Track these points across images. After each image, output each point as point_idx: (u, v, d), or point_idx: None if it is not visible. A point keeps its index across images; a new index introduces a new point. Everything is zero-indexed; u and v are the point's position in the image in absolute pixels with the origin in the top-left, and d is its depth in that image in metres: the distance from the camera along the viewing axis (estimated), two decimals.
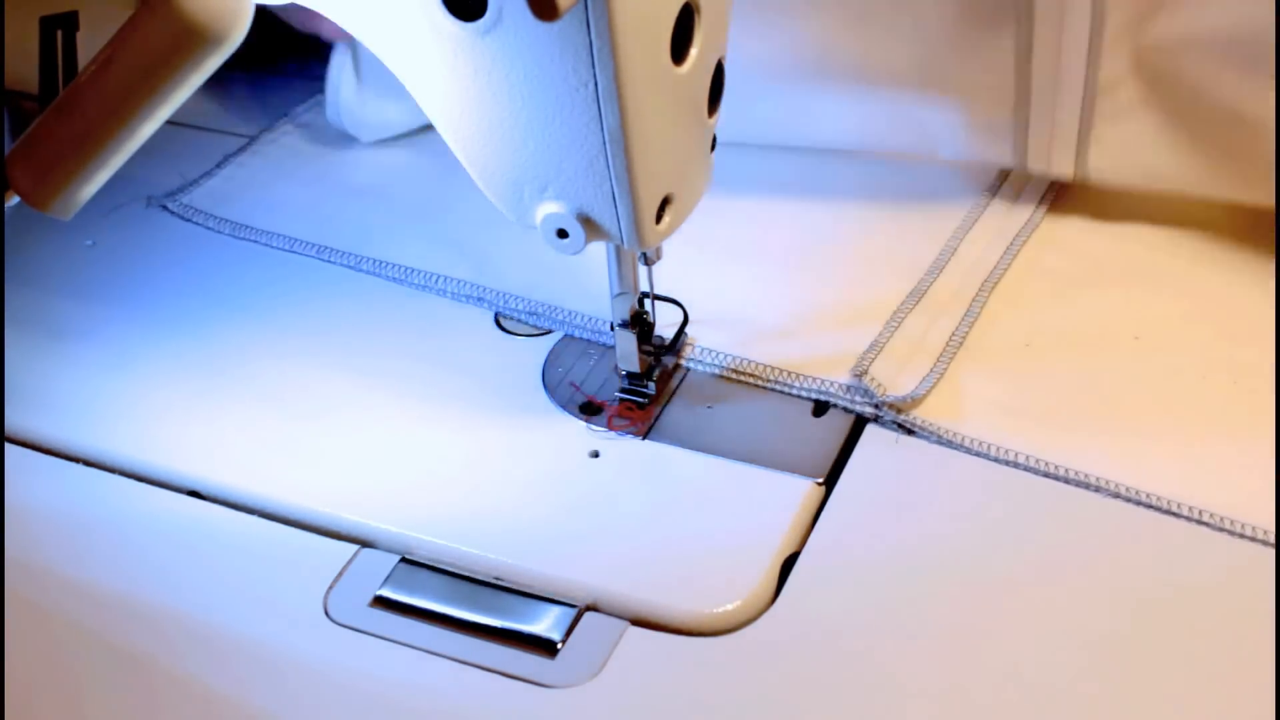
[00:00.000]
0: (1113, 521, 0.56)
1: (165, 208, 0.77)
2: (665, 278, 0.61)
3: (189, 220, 0.76)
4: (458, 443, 0.61)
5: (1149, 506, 0.56)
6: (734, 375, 0.63)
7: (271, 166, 0.81)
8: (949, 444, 0.59)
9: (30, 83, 0.72)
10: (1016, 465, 0.58)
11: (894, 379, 0.62)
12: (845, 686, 0.50)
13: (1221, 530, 0.55)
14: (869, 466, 0.59)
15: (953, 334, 0.65)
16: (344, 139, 0.82)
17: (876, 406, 0.61)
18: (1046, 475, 0.57)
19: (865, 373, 0.62)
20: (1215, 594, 0.53)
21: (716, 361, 0.64)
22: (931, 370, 0.62)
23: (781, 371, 0.63)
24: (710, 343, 0.64)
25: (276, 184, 0.79)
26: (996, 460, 0.58)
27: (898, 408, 0.60)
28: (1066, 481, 0.57)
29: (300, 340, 0.67)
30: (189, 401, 0.63)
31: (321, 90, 0.85)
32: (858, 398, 0.61)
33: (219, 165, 0.81)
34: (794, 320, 0.66)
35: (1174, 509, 0.56)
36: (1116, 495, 0.56)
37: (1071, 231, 0.72)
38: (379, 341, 0.67)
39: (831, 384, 0.62)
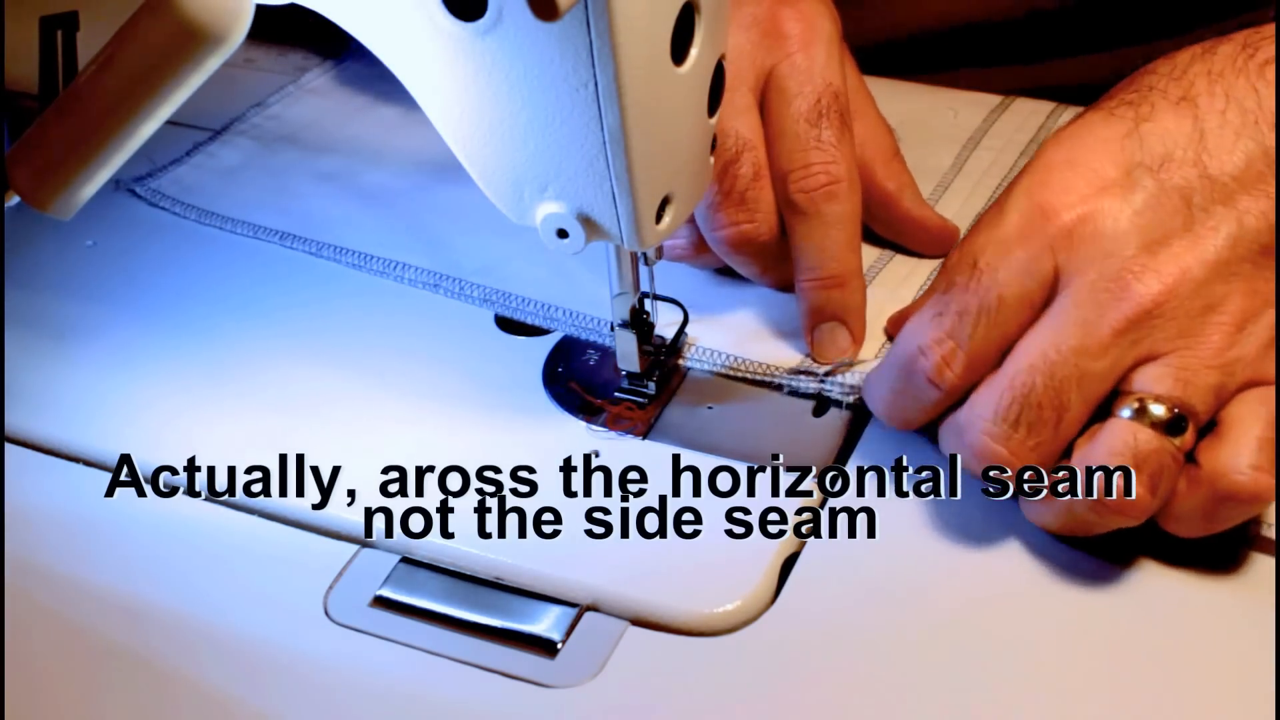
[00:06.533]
0: None
1: (132, 191, 0.78)
2: (665, 277, 0.61)
3: (156, 205, 0.77)
4: (458, 442, 0.61)
5: None
6: (730, 373, 0.63)
7: (240, 155, 0.81)
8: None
9: (30, 83, 0.72)
10: None
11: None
12: (845, 686, 0.50)
13: None
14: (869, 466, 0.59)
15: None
16: (315, 127, 0.83)
17: (821, 381, 0.62)
18: None
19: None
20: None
21: (709, 361, 0.64)
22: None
23: (748, 365, 0.63)
24: (707, 342, 0.64)
25: (244, 171, 0.80)
26: None
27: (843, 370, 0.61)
28: None
29: (301, 340, 0.67)
30: (190, 402, 0.63)
31: (292, 81, 0.85)
32: (802, 376, 0.62)
33: (188, 153, 0.81)
34: (787, 320, 0.66)
35: None
36: None
37: None
38: (379, 341, 0.67)
39: (778, 369, 0.63)
